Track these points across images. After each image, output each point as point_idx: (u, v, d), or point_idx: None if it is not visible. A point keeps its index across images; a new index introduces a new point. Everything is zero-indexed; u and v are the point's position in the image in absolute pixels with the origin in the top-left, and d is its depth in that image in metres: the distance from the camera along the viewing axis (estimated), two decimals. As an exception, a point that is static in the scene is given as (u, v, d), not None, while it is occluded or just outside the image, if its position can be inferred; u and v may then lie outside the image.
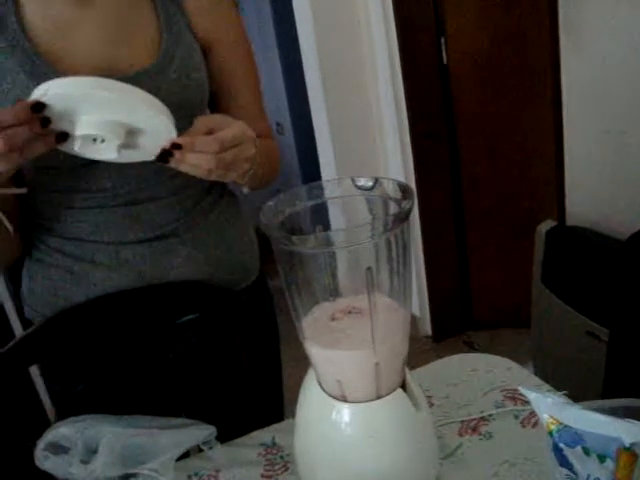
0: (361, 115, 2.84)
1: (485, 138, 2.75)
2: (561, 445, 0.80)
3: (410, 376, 0.88)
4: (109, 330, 1.14)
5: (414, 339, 3.00)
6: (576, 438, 0.78)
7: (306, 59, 2.82)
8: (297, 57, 2.89)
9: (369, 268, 0.75)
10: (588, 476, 0.78)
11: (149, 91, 1.00)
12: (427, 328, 3.05)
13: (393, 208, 0.82)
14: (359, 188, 0.85)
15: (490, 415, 1.09)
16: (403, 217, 0.77)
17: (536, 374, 2.21)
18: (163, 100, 0.96)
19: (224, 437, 1.09)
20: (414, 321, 3.02)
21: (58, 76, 0.98)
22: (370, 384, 0.81)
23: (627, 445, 0.74)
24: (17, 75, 0.98)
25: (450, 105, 2.74)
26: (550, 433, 0.81)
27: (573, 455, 0.79)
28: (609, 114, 2.17)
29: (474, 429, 1.07)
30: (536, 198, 2.69)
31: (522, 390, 0.85)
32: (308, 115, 2.96)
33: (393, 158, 2.84)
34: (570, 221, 2.43)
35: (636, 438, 0.74)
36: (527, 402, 1.09)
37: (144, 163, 1.04)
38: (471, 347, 2.93)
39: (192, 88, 1.08)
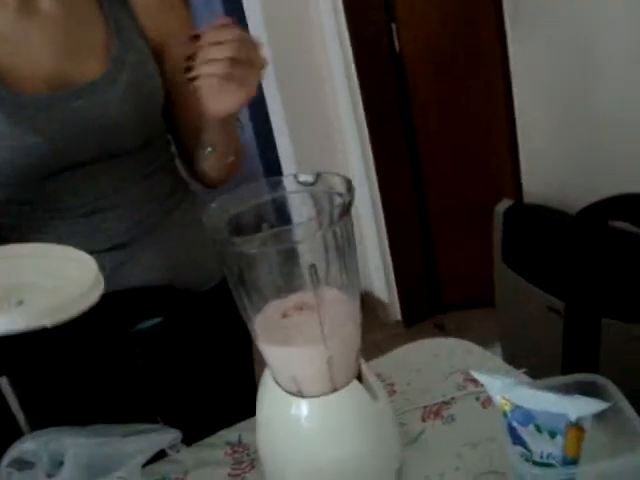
0: (317, 107, 2.84)
1: (442, 122, 2.77)
2: (514, 424, 0.81)
3: (366, 366, 0.89)
4: (72, 339, 1.13)
5: (385, 325, 3.01)
6: (528, 417, 0.80)
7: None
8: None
9: (312, 265, 0.76)
10: (541, 452, 0.80)
11: (101, 101, 1.01)
12: (397, 313, 3.06)
13: (338, 202, 0.83)
14: (302, 184, 0.85)
15: (452, 398, 1.10)
16: (345, 210, 0.77)
17: (503, 353, 2.25)
18: (116, 110, 0.98)
19: (202, 438, 1.11)
20: (383, 307, 3.04)
21: (7, 90, 0.97)
22: (324, 378, 0.82)
23: (573, 420, 0.76)
24: None
25: (405, 91, 2.75)
26: (504, 413, 0.83)
27: (526, 433, 0.81)
28: (558, 94, 2.20)
29: (436, 413, 1.08)
30: (495, 178, 2.72)
31: (474, 373, 0.87)
32: (265, 111, 2.95)
33: (352, 147, 2.85)
34: (527, 199, 2.46)
35: (582, 412, 0.76)
36: (487, 383, 1.11)
37: (102, 173, 1.05)
38: (442, 330, 2.96)
39: (145, 96, 1.06)
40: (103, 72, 1.03)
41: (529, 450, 0.81)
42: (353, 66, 2.67)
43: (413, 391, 1.14)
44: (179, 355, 1.21)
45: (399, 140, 2.80)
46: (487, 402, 1.08)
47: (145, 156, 1.09)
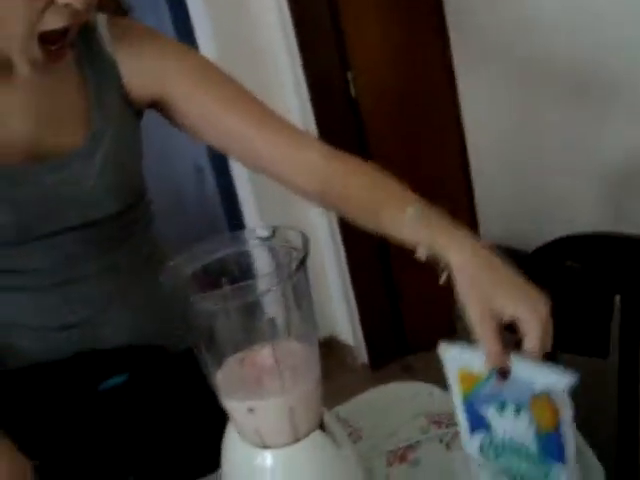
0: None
1: (399, 166, 2.81)
2: (476, 406, 0.81)
3: (328, 415, 0.90)
4: (34, 400, 1.12)
5: (351, 369, 3.02)
6: (492, 393, 0.79)
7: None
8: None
9: (271, 319, 0.78)
10: (504, 432, 0.79)
11: (76, 176, 0.98)
12: (363, 357, 3.07)
13: (294, 255, 0.85)
14: (259, 238, 0.87)
15: (417, 442, 1.12)
16: (300, 264, 0.79)
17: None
18: (91, 184, 0.97)
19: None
20: (350, 351, 3.04)
21: None
22: (286, 429, 0.83)
23: (539, 392, 0.75)
24: None
25: (363, 136, 2.80)
26: (465, 397, 0.82)
27: (489, 414, 0.80)
28: (507, 135, 2.27)
29: (402, 457, 1.09)
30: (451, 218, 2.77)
31: (440, 350, 0.87)
32: (226, 159, 2.98)
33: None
34: (483, 238, 2.52)
35: (550, 384, 0.74)
36: (450, 425, 1.13)
37: (72, 241, 1.01)
38: (409, 372, 2.96)
39: (122, 167, 1.04)
40: (81, 145, 1.00)
41: (490, 431, 0.80)
42: (312, 117, 2.71)
43: (379, 435, 1.15)
44: (147, 412, 1.19)
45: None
46: (451, 443, 1.09)
47: (119, 224, 1.06)
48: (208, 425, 1.28)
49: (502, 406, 0.78)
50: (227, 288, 0.82)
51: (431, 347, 3.03)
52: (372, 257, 2.94)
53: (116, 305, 1.09)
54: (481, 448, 0.84)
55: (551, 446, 0.77)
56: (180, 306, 0.81)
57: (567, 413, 0.75)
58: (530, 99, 2.14)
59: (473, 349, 0.82)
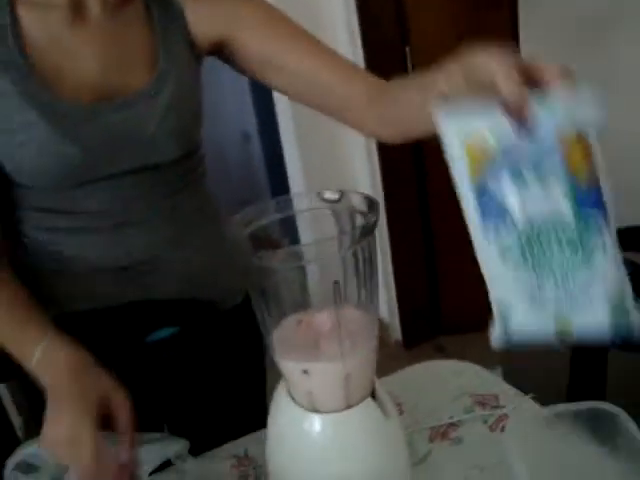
0: (328, 124, 2.85)
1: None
2: (489, 189, 0.66)
3: (379, 384, 0.89)
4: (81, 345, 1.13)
5: (385, 345, 3.01)
6: (512, 157, 0.65)
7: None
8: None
9: (336, 282, 0.76)
10: (529, 219, 0.66)
11: (141, 116, 1.00)
12: (397, 334, 3.07)
13: (359, 220, 0.84)
14: (325, 201, 0.86)
15: (459, 420, 1.11)
16: (369, 230, 0.78)
17: (505, 377, 2.24)
18: (155, 125, 0.98)
19: (209, 449, 1.11)
20: (384, 327, 3.04)
21: (51, 97, 0.96)
22: (340, 395, 0.82)
23: (566, 131, 0.62)
24: (10, 94, 0.94)
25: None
26: (474, 179, 0.67)
27: (507, 194, 0.66)
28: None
29: (444, 435, 1.09)
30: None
31: (436, 115, 0.71)
32: (275, 124, 2.97)
33: (360, 168, 2.86)
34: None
35: (578, 117, 0.63)
36: (495, 407, 1.11)
37: (133, 184, 1.04)
38: (442, 352, 2.96)
39: (185, 111, 1.05)
40: (147, 85, 1.01)
41: (504, 211, 0.67)
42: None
43: (420, 411, 1.14)
44: (191, 367, 1.21)
45: (407, 160, 2.81)
46: (494, 425, 1.09)
47: (178, 170, 1.08)
48: (253, 385, 1.30)
49: (520, 175, 0.65)
50: (292, 248, 0.81)
51: (465, 330, 3.01)
52: (415, 236, 2.93)
53: (169, 253, 1.10)
54: (502, 253, 0.72)
55: (589, 196, 0.65)
56: (240, 262, 0.81)
57: (598, 153, 0.64)
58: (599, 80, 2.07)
59: (480, 108, 0.66)
